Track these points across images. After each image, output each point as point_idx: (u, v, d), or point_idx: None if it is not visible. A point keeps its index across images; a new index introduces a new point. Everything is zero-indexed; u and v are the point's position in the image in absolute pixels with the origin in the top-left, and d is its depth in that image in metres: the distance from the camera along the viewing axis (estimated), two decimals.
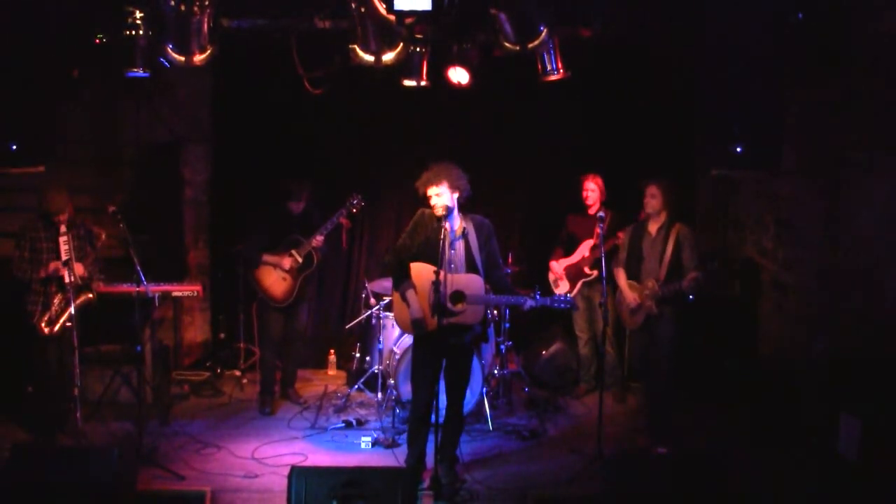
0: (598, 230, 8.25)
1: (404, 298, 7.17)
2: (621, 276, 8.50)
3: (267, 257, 9.03)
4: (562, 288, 9.47)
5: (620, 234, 8.74)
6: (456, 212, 7.16)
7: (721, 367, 9.05)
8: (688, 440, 8.18)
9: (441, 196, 7.05)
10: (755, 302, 9.49)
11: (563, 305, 7.22)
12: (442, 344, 7.09)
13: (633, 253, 8.44)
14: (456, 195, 7.10)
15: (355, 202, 9.17)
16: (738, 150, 7.72)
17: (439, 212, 7.05)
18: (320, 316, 10.99)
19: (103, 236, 8.40)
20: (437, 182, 7.06)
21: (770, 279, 9.15)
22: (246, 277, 9.45)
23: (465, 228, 7.17)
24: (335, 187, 10.62)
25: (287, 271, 9.02)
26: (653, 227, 8.36)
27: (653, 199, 8.30)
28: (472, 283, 7.09)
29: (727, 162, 8.16)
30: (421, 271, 7.12)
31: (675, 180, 8.58)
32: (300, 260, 9.01)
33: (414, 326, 7.16)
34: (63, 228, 7.98)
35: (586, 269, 9.35)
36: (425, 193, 7.12)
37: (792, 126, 8.39)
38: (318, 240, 9.04)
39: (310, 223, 9.16)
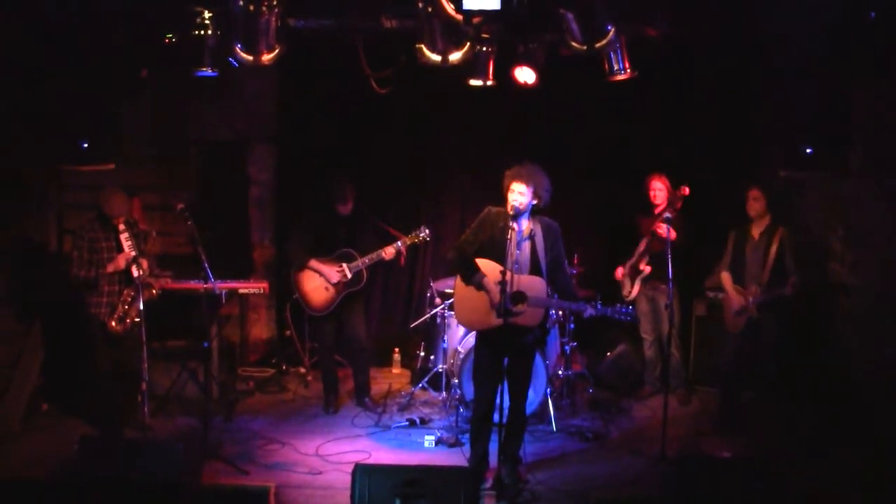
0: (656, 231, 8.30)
1: (481, 287, 7.07)
2: (727, 279, 8.49)
3: (314, 263, 8.90)
4: (627, 288, 9.40)
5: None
6: (526, 214, 7.13)
7: (788, 370, 8.92)
8: (752, 443, 8.08)
9: (523, 195, 6.98)
10: (822, 304, 9.36)
11: (623, 318, 7.14)
12: (503, 343, 7.07)
13: (737, 257, 8.43)
14: (534, 202, 7.06)
15: (422, 235, 9.07)
16: (809, 151, 7.63)
17: (514, 207, 6.98)
18: (385, 315, 11.03)
19: (154, 234, 8.48)
20: (524, 180, 7.00)
21: (838, 281, 9.02)
22: (286, 277, 9.42)
23: (532, 230, 7.11)
24: (400, 187, 10.72)
25: (333, 284, 8.93)
26: (756, 231, 8.36)
27: (756, 203, 8.30)
28: (535, 284, 7.05)
29: (795, 163, 8.08)
30: (485, 268, 7.09)
31: (742, 181, 8.55)
32: (349, 276, 8.89)
33: (497, 312, 6.99)
34: (122, 227, 8.07)
35: (641, 266, 9.29)
36: (508, 185, 7.06)
37: (859, 127, 8.27)
38: (372, 259, 8.89)
39: (360, 226, 9.09)
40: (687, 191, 8.79)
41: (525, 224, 7.12)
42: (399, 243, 8.95)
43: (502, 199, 7.09)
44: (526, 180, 7.00)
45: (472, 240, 7.19)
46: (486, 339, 7.24)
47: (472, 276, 7.09)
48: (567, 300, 7.28)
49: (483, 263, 7.10)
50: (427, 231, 9.10)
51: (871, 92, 8.20)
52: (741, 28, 8.26)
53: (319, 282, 8.94)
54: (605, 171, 10.48)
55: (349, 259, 8.92)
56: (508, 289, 6.83)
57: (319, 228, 9.03)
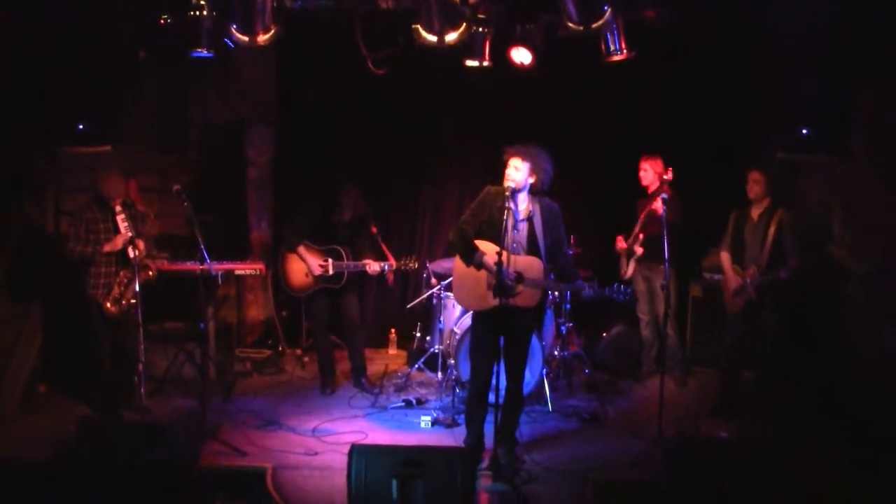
0: (648, 209, 8.56)
1: (481, 266, 7.05)
2: (725, 260, 8.50)
3: (302, 251, 8.97)
4: (623, 267, 9.42)
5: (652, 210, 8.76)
6: (525, 194, 7.12)
7: (787, 353, 8.92)
8: (750, 425, 8.10)
9: (518, 171, 7.01)
10: (822, 288, 9.34)
11: (622, 297, 7.15)
12: (500, 323, 7.08)
13: (737, 238, 8.42)
14: (531, 179, 7.06)
15: (410, 265, 9.13)
16: (805, 132, 7.62)
17: (508, 183, 7.00)
18: (381, 296, 11.03)
19: (152, 216, 8.48)
20: (522, 156, 7.03)
21: (837, 266, 9.00)
22: (276, 251, 9.57)
23: (531, 211, 7.11)
24: (399, 169, 10.71)
25: (314, 275, 8.98)
26: (755, 213, 8.32)
27: (756, 185, 8.26)
28: (532, 266, 7.04)
29: (793, 146, 8.06)
30: (484, 250, 7.09)
31: (744, 164, 8.54)
32: (330, 273, 8.96)
33: (493, 292, 7.01)
34: (118, 208, 8.07)
35: (635, 247, 9.31)
36: (507, 162, 7.07)
37: (860, 110, 8.24)
38: (357, 266, 8.98)
39: (359, 231, 9.14)
40: (671, 174, 8.78)
41: (524, 204, 7.12)
42: (386, 266, 9.04)
43: (499, 181, 7.10)
44: (523, 156, 7.02)
45: (472, 220, 7.17)
46: (484, 319, 7.25)
47: (472, 256, 7.07)
48: (566, 281, 7.28)
49: (482, 244, 7.09)
50: (416, 264, 9.21)
51: (873, 74, 8.17)
52: (740, 11, 8.24)
53: (302, 266, 9.00)
54: (603, 154, 10.45)
55: (337, 257, 8.98)
56: (505, 269, 6.84)
57: (319, 221, 9.08)
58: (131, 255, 7.89)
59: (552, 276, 7.22)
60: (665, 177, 8.74)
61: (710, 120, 9.89)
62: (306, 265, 8.96)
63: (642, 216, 9.16)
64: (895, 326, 8.02)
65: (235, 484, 6.99)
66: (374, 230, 9.19)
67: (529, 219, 7.11)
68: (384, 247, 9.22)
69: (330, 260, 8.95)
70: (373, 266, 8.96)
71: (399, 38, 8.21)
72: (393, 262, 9.08)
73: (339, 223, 9.05)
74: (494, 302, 6.94)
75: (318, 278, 8.97)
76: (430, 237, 10.89)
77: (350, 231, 9.09)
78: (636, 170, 9.37)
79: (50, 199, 9.51)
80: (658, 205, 8.42)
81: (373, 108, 10.46)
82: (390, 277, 9.45)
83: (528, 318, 7.25)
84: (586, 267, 9.57)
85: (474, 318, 7.44)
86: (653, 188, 9.20)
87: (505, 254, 6.80)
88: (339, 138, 10.50)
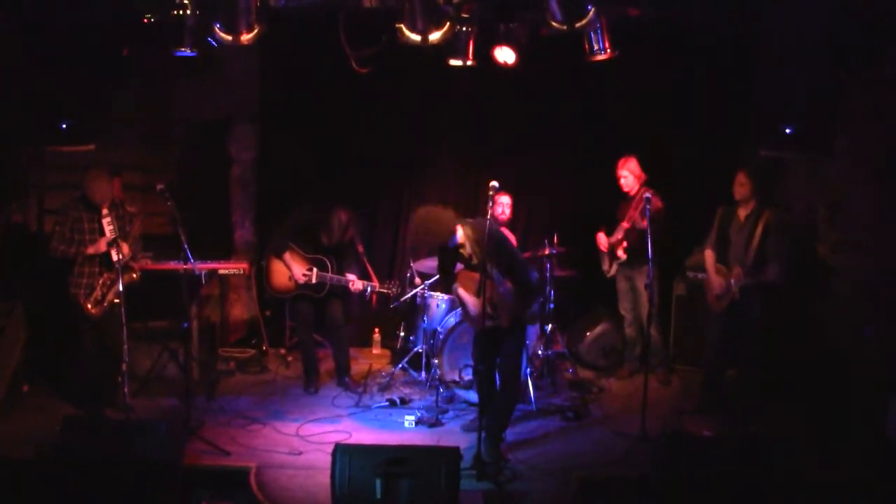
0: (633, 214, 8.85)
1: (459, 297, 7.59)
2: (709, 258, 8.46)
3: (287, 257, 8.96)
4: (606, 265, 9.44)
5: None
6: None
7: (770, 350, 8.94)
8: (734, 422, 8.12)
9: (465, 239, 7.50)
10: (806, 285, 9.37)
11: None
12: (495, 337, 7.45)
13: (722, 237, 8.39)
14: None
15: (393, 289, 9.19)
16: (787, 130, 7.65)
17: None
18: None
19: (140, 217, 8.45)
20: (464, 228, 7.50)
21: (820, 262, 9.04)
22: (260, 251, 9.71)
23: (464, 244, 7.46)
24: (384, 166, 10.69)
25: (296, 281, 8.99)
26: (742, 213, 8.27)
27: (741, 187, 8.19)
28: (497, 291, 7.31)
29: (778, 144, 8.07)
30: (464, 278, 7.57)
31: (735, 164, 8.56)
32: (314, 282, 8.97)
33: (473, 321, 7.51)
34: (105, 210, 8.05)
35: (619, 252, 9.31)
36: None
37: (845, 108, 8.27)
38: (340, 280, 8.99)
39: (347, 247, 9.16)
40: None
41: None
42: (369, 287, 9.09)
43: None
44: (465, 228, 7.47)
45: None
46: (484, 333, 7.50)
47: (451, 288, 7.75)
48: (526, 300, 7.46)
49: (464, 276, 7.57)
50: (398, 289, 9.25)
51: (860, 72, 8.19)
52: (731, 9, 8.28)
53: (286, 269, 9.00)
54: (586, 151, 10.42)
55: (321, 266, 8.99)
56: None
57: (310, 230, 9.07)
58: (115, 257, 7.86)
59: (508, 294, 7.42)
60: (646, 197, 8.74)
61: (697, 118, 9.90)
62: (290, 272, 8.96)
63: (625, 223, 9.15)
64: (877, 323, 8.06)
65: (219, 483, 7.00)
66: (361, 249, 9.21)
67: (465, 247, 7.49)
68: (368, 267, 9.25)
69: (314, 269, 8.95)
70: (356, 284, 8.98)
71: (383, 36, 8.21)
72: (376, 283, 9.13)
73: (328, 243, 9.05)
74: (488, 324, 7.23)
75: (300, 285, 8.98)
76: (413, 234, 10.86)
77: (337, 247, 9.10)
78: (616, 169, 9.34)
79: (34, 197, 9.49)
80: (637, 214, 8.53)
81: (356, 107, 10.43)
82: (374, 299, 9.55)
83: (513, 332, 7.49)
84: (571, 266, 9.60)
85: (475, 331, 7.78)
86: (633, 192, 9.18)
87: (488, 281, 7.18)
88: (322, 136, 10.46)
